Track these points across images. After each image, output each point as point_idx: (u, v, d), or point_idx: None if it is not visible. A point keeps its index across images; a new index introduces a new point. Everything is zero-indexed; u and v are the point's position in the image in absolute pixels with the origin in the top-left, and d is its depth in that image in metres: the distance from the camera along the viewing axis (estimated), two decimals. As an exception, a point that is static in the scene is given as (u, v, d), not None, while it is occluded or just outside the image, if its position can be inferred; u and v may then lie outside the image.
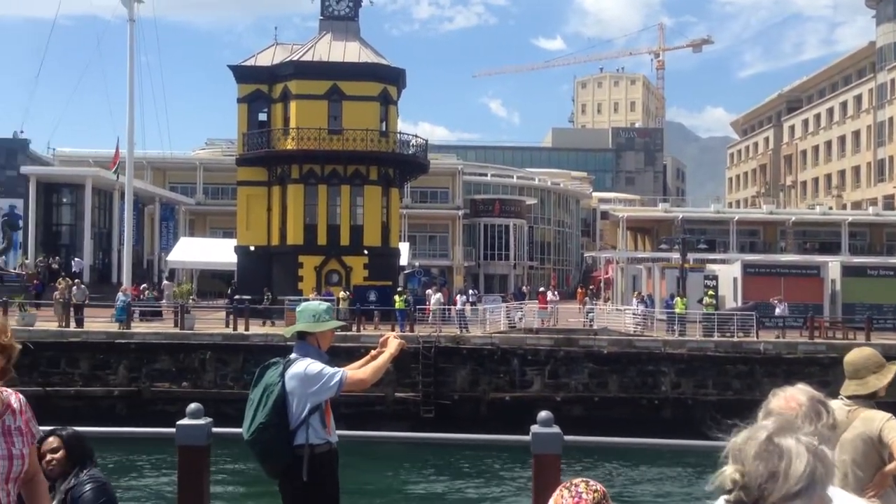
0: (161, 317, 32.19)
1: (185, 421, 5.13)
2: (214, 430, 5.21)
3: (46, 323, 27.81)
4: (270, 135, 38.63)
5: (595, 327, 31.38)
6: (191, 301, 32.68)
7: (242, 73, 39.37)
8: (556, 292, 40.08)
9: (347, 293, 33.38)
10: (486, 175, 73.35)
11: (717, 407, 23.84)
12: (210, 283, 51.63)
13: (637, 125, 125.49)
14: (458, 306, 33.29)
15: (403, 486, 19.49)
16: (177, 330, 27.54)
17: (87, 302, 30.49)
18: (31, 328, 26.49)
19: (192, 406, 5.19)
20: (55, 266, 42.05)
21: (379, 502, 18.01)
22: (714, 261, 50.55)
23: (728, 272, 40.05)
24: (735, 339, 28.53)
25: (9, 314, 26.93)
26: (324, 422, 4.67)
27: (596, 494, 2.81)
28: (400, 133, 40.62)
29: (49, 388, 25.07)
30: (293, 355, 4.76)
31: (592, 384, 26.53)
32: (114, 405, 25.00)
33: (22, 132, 48.88)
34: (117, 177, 40.63)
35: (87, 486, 4.17)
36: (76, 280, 34.63)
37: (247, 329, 27.60)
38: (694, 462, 18.96)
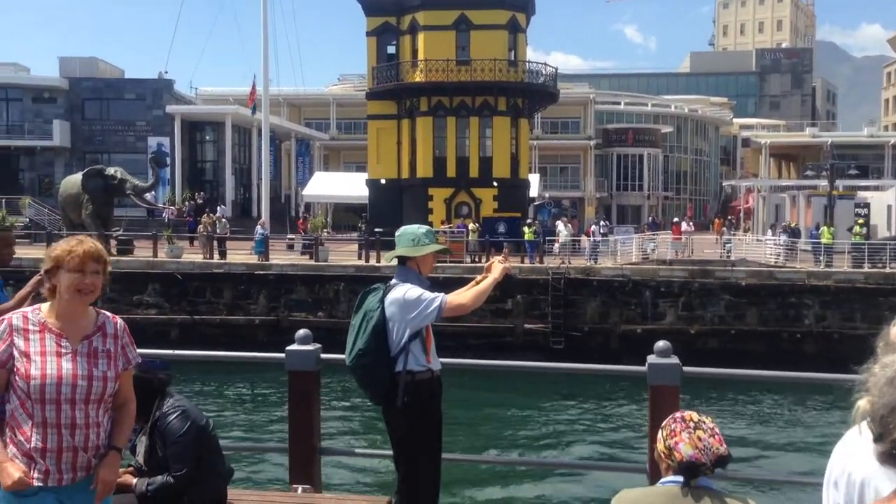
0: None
1: (294, 347, 5.14)
2: (330, 356, 5.22)
3: (193, 255, 29.26)
4: (399, 68, 38.67)
5: (733, 258, 30.16)
6: (325, 234, 33.56)
7: (371, 6, 39.38)
8: (691, 223, 38.73)
9: (477, 225, 33.39)
10: (619, 104, 71.18)
11: (866, 341, 22.55)
12: (344, 216, 52.92)
13: (784, 45, 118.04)
14: (589, 238, 32.73)
15: (524, 413, 19.55)
16: (312, 262, 28.38)
17: (228, 235, 31.84)
18: (178, 260, 27.93)
19: (301, 332, 5.20)
20: (200, 201, 44.11)
21: (497, 428, 18.15)
22: (866, 188, 47.41)
23: (881, 200, 37.49)
24: (888, 270, 26.75)
25: (158, 246, 28.53)
26: (425, 348, 4.54)
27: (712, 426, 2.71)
28: (529, 62, 39.76)
29: (196, 317, 26.51)
30: (393, 281, 4.64)
31: (729, 317, 25.59)
32: (255, 333, 26.13)
33: (166, 72, 51.05)
34: (252, 112, 41.87)
35: (171, 416, 4.20)
36: (219, 215, 36.29)
37: (378, 261, 28.10)
38: (832, 398, 18.09)
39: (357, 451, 5.22)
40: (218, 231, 31.07)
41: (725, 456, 2.62)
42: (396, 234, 4.82)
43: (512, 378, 21.12)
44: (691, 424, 2.64)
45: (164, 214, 39.49)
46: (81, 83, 48.85)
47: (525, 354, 24.30)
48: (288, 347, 5.15)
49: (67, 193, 30.45)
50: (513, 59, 38.43)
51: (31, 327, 3.17)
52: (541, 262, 28.71)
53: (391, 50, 39.49)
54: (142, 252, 29.06)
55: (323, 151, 63.36)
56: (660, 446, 2.69)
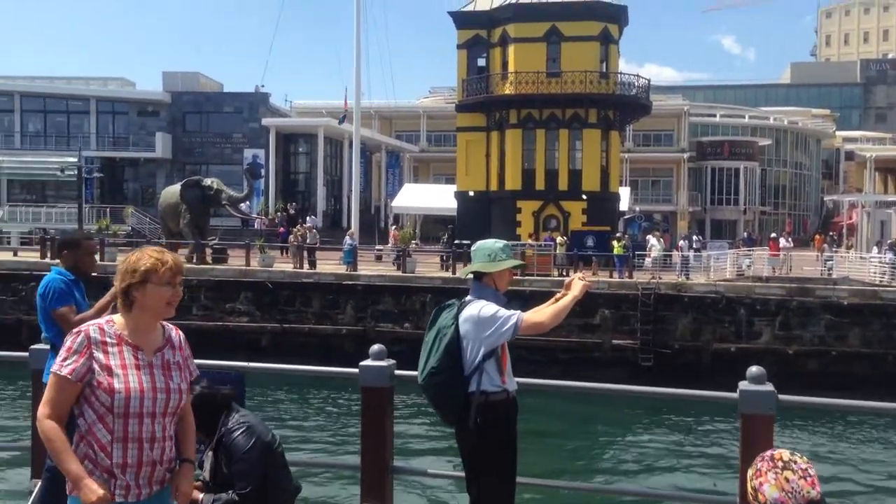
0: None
1: (367, 362, 5.04)
2: (404, 372, 5.10)
3: (284, 264, 29.79)
4: (489, 80, 38.65)
5: (834, 276, 28.86)
6: (413, 245, 33.72)
7: (462, 19, 39.54)
8: (789, 238, 37.33)
9: (565, 238, 32.98)
10: (714, 116, 69.41)
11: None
12: (433, 227, 53.15)
13: (890, 56, 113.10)
14: (681, 253, 31.88)
15: (606, 435, 18.99)
16: (399, 273, 28.51)
17: (318, 245, 32.32)
18: (270, 269, 28.47)
19: (375, 347, 5.10)
20: (292, 212, 45.01)
21: (576, 450, 17.62)
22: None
23: None
24: None
25: (251, 255, 29.15)
26: (500, 368, 4.35)
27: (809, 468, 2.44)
28: (621, 74, 39.17)
29: (286, 325, 26.95)
30: (468, 297, 4.47)
31: (829, 337, 24.47)
32: (342, 343, 26.36)
33: (262, 86, 52.49)
34: (340, 121, 42.50)
35: (236, 432, 4.14)
36: (309, 225, 36.94)
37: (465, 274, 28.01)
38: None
39: (430, 471, 5.06)
40: (308, 241, 31.57)
41: (817, 500, 2.37)
42: (472, 248, 4.67)
43: (594, 396, 20.60)
44: (779, 464, 2.40)
45: (256, 224, 40.41)
46: (183, 97, 50.62)
47: (613, 370, 23.78)
48: (362, 363, 5.06)
49: (167, 203, 31.46)
50: (604, 70, 37.93)
51: (108, 339, 3.11)
52: (630, 276, 28.10)
53: (481, 62, 39.53)
54: (235, 261, 29.75)
55: (413, 163, 63.87)
56: (748, 485, 2.48)
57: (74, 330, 3.14)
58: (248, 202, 35.63)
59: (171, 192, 31.67)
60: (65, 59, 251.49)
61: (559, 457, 16.43)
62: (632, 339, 25.24)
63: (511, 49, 37.94)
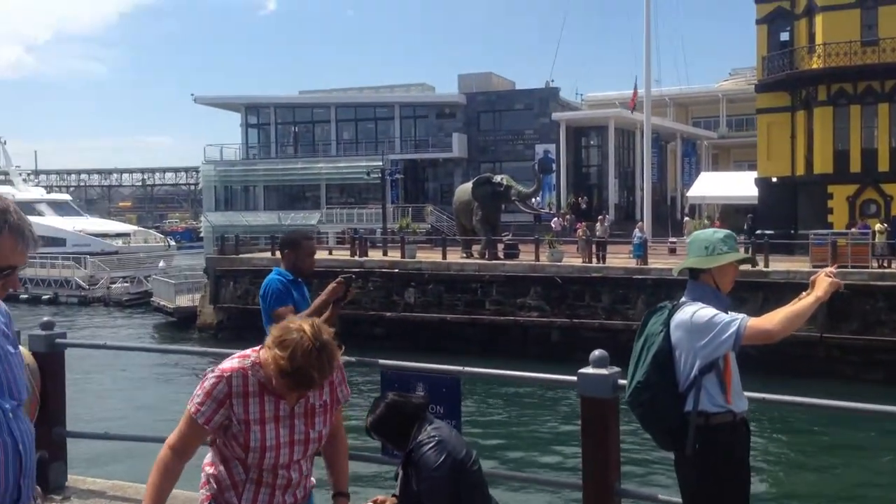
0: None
1: (587, 369, 4.46)
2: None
3: (573, 259, 29.59)
4: (793, 55, 35.54)
5: None
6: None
7: (761, -8, 36.77)
8: None
9: (885, 226, 29.36)
10: None
11: None
12: (733, 217, 50.12)
13: None
14: None
15: (863, 462, 15.84)
16: (694, 266, 27.10)
17: (608, 238, 31.73)
18: (558, 264, 28.42)
19: (597, 353, 4.46)
20: (583, 206, 44.74)
21: (824, 479, 14.77)
22: None
23: None
24: None
25: (540, 251, 29.29)
26: (723, 384, 3.58)
27: None
28: (954, 35, 34.10)
29: (576, 320, 26.74)
30: (683, 299, 3.74)
31: None
32: (632, 339, 25.61)
33: (552, 81, 52.79)
34: (631, 111, 41.41)
35: (426, 446, 3.81)
36: (602, 217, 36.45)
37: (766, 266, 25.94)
38: None
39: (661, 496, 4.37)
40: (598, 235, 31.10)
41: None
42: (687, 240, 3.93)
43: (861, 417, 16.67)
44: None
45: (552, 221, 40.58)
46: (477, 97, 52.38)
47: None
48: (581, 370, 4.48)
49: (460, 201, 32.60)
50: (934, 33, 33.24)
51: (250, 389, 2.85)
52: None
53: (784, 37, 36.46)
54: (526, 256, 30.07)
55: (712, 151, 60.86)
56: None
57: (218, 371, 2.88)
58: (537, 197, 35.90)
59: (464, 189, 32.74)
60: (374, 69, 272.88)
61: (803, 483, 13.98)
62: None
63: (819, 18, 34.53)
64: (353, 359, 5.21)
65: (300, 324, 2.79)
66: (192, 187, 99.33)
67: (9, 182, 56.11)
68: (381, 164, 44.23)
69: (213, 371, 2.89)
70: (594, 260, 28.84)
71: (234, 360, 2.90)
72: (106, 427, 7.43)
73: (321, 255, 33.90)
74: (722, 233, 3.82)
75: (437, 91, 57.47)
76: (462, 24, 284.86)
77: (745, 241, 31.07)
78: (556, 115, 49.52)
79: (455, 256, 30.72)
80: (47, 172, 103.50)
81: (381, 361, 4.88)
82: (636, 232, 29.75)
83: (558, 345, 26.08)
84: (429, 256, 31.40)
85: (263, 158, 57.05)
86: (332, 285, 4.97)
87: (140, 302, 41.21)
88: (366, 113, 55.84)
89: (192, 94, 59.11)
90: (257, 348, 2.93)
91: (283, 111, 57.68)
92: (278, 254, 5.46)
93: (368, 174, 44.82)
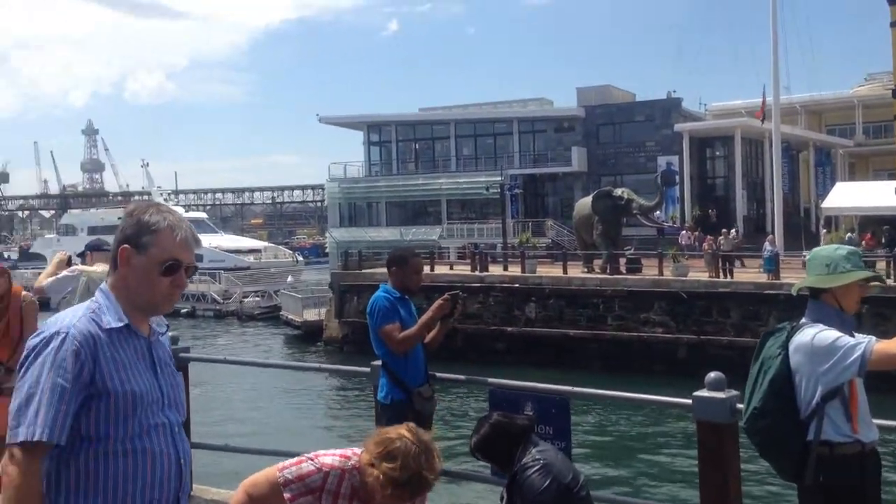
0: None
1: (702, 392, 4.21)
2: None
3: (698, 273, 28.67)
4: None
5: None
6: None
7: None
8: None
9: None
10: None
11: None
12: (873, 229, 47.47)
13: None
14: None
15: None
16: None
17: (734, 252, 30.60)
18: (683, 279, 27.59)
19: (713, 375, 4.20)
20: (714, 219, 43.26)
21: None
22: None
23: None
24: None
25: (663, 265, 28.51)
26: (848, 412, 3.33)
27: None
28: None
29: (703, 337, 25.88)
30: (803, 320, 3.52)
31: None
32: (761, 356, 24.54)
33: (674, 92, 51.61)
34: (762, 122, 39.87)
35: (531, 470, 3.67)
36: (727, 231, 35.14)
37: (914, 281, 24.34)
38: None
39: None
40: (723, 248, 30.04)
41: None
42: (807, 257, 3.71)
43: None
44: None
45: (679, 235, 39.45)
46: (595, 110, 51.74)
47: None
48: (696, 393, 4.25)
49: (580, 215, 32.20)
50: None
51: (343, 491, 2.84)
52: None
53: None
54: (649, 270, 29.36)
55: (848, 160, 57.89)
56: None
57: (318, 463, 2.87)
58: (660, 210, 35.05)
59: (584, 203, 32.33)
60: (493, 86, 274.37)
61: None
62: None
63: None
64: (462, 377, 5.18)
65: (398, 430, 2.79)
66: (319, 204, 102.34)
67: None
68: (500, 179, 44.21)
69: (312, 457, 2.90)
70: (721, 274, 27.86)
71: (336, 458, 2.90)
72: (226, 440, 7.66)
73: (442, 269, 34.18)
74: (845, 249, 3.61)
75: (556, 105, 57.13)
76: (579, 39, 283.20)
77: (886, 254, 29.37)
78: (678, 126, 48.27)
79: (576, 271, 30.35)
80: (185, 192, 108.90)
81: (490, 380, 4.83)
82: (766, 245, 28.61)
83: (685, 362, 25.28)
84: (549, 271, 31.14)
85: (385, 175, 58.14)
86: (438, 302, 4.96)
87: (270, 316, 42.66)
88: (485, 129, 56.08)
89: (318, 115, 61.06)
90: (358, 451, 2.90)
91: (403, 128, 58.67)
92: None
93: (487, 189, 44.96)
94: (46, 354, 2.30)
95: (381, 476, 2.70)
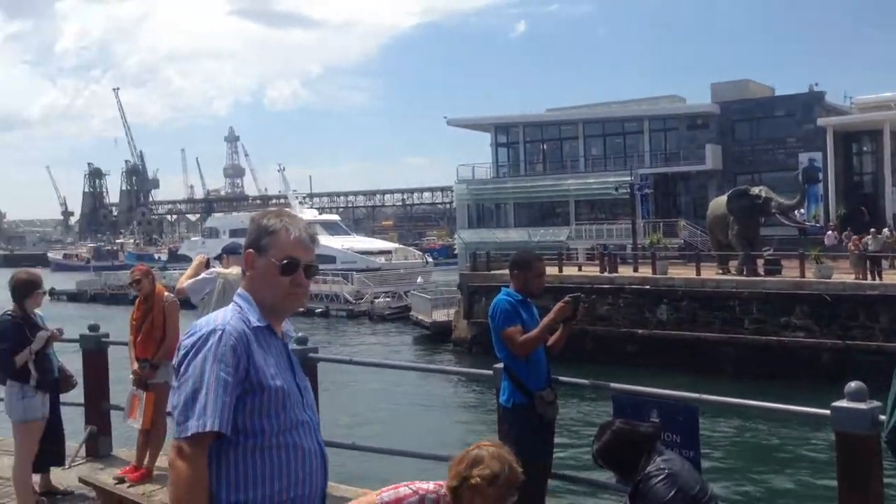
0: None
1: (842, 403, 3.99)
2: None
3: (844, 275, 27.19)
4: None
5: None
6: None
7: None
8: None
9: None
10: None
11: None
12: None
13: None
14: None
15: None
16: None
17: (882, 252, 28.83)
18: (827, 280, 26.24)
19: (853, 385, 3.98)
20: (867, 218, 40.77)
21: None
22: None
23: None
24: None
25: (805, 266, 27.18)
26: None
27: None
28: None
29: (849, 342, 24.57)
30: None
31: None
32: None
33: (816, 85, 49.11)
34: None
35: (655, 478, 3.52)
36: (876, 230, 33.10)
37: None
38: None
39: None
40: (871, 248, 28.34)
41: None
42: None
43: None
44: None
45: (825, 235, 37.48)
46: (731, 106, 49.88)
47: None
48: (835, 403, 4.03)
49: (714, 215, 31.17)
50: None
51: None
52: None
53: None
54: (789, 272, 28.06)
55: None
56: None
57: (415, 487, 2.92)
58: (801, 209, 33.43)
59: (719, 203, 31.26)
60: (622, 84, 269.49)
61: None
62: None
63: None
64: (585, 381, 5.07)
65: (465, 450, 2.91)
66: (448, 206, 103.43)
67: (287, 205, 61.75)
68: (629, 178, 43.35)
69: (409, 484, 2.95)
70: (870, 276, 26.31)
71: (432, 484, 2.97)
72: (353, 439, 7.83)
73: (571, 270, 33.80)
74: None
75: (688, 102, 55.45)
76: (713, 34, 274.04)
77: None
78: (821, 121, 45.90)
79: (709, 272, 29.37)
80: (319, 195, 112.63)
81: (613, 385, 4.71)
82: (920, 244, 26.80)
83: (829, 367, 24.02)
84: (681, 272, 30.27)
85: (513, 176, 58.04)
86: (559, 305, 4.89)
87: (400, 316, 43.41)
88: (614, 128, 55.09)
89: (445, 117, 61.60)
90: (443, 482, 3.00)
91: (531, 129, 58.39)
92: None
93: (617, 189, 44.16)
94: (207, 350, 2.39)
95: (479, 478, 2.76)
